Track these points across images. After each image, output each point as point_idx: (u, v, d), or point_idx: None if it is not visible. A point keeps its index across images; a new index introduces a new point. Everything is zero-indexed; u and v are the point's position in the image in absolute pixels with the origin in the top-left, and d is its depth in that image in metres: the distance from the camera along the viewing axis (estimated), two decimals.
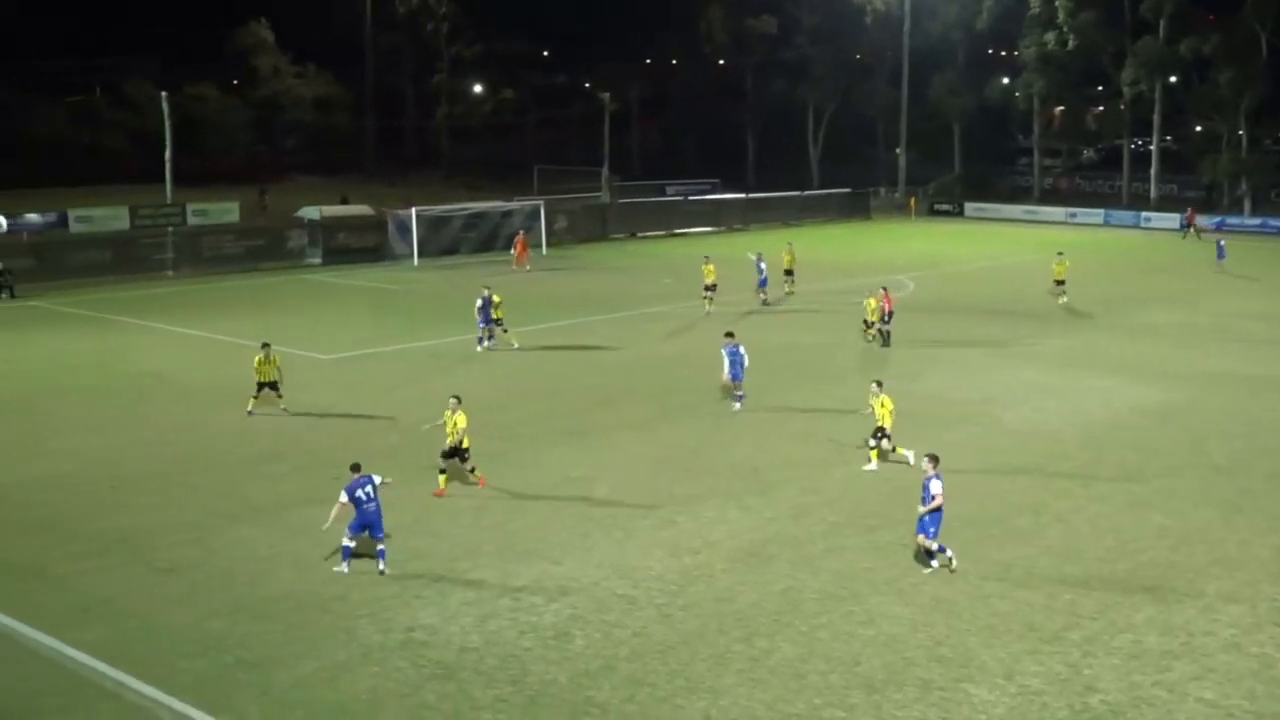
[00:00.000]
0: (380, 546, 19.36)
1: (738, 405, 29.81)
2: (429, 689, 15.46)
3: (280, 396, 29.57)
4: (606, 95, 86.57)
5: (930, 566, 19.25)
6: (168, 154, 67.48)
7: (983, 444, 26.96)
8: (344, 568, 19.18)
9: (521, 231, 61.49)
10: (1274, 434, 27.94)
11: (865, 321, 38.84)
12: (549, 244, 65.99)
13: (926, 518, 19.30)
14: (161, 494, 23.29)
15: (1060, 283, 47.42)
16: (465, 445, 23.20)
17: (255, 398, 29.41)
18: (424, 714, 14.87)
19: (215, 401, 30.98)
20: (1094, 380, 33.49)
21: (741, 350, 29.69)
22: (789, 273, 50.15)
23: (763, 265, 46.73)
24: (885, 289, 39.15)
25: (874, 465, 24.87)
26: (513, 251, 58.85)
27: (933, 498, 19.16)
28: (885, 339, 38.05)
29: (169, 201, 70.65)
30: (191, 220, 70.30)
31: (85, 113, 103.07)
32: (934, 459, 19.48)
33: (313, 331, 40.53)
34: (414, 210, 62.30)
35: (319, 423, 28.78)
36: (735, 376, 29.69)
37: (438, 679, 15.71)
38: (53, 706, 15.08)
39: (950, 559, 19.34)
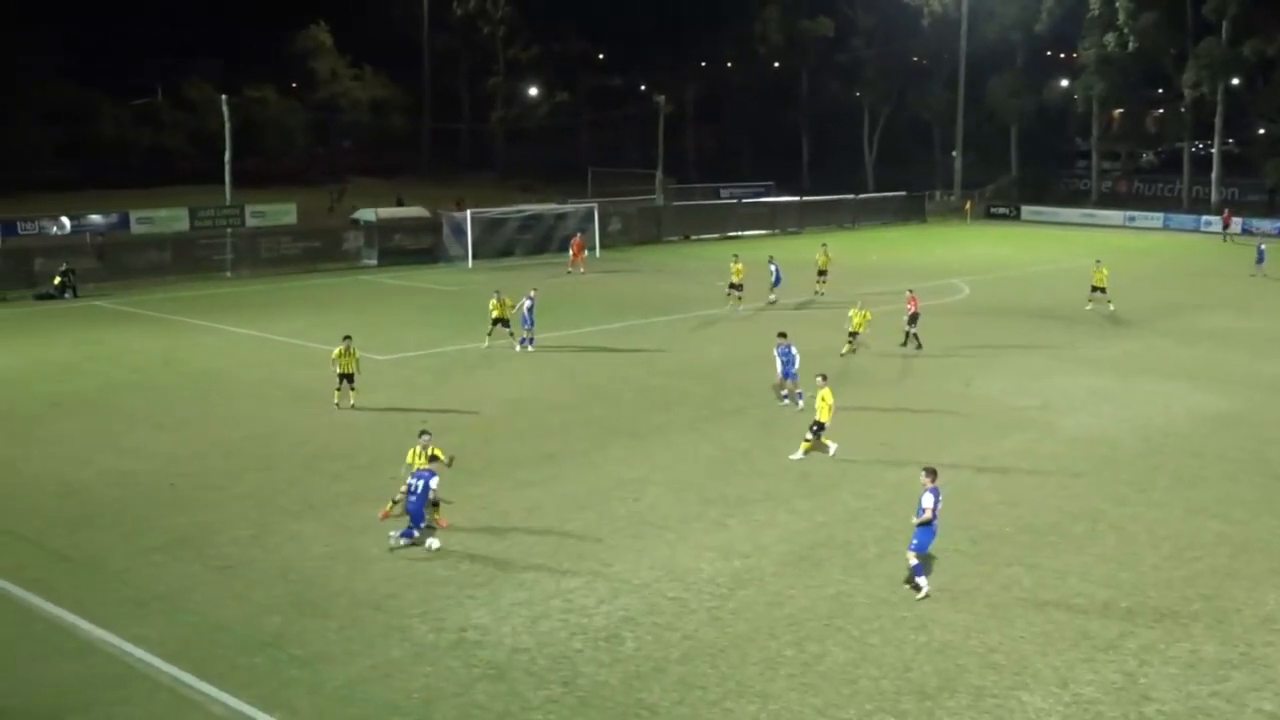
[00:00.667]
0: (415, 533, 20.28)
1: (788, 402, 30.09)
2: (480, 689, 15.55)
3: (354, 390, 30.07)
4: (661, 98, 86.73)
5: (920, 590, 18.33)
6: (227, 156, 68.29)
7: (1039, 450, 26.74)
8: (396, 540, 20.20)
9: (579, 234, 61.69)
10: None
11: (850, 334, 36.60)
12: (603, 246, 66.16)
13: (917, 531, 18.46)
14: (221, 491, 23.58)
15: (1100, 289, 46.14)
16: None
17: (339, 390, 30.21)
18: (475, 713, 14.95)
19: (275, 400, 31.33)
20: (1152, 386, 33.12)
21: (793, 350, 29.80)
22: (822, 273, 50.85)
23: (774, 267, 47.41)
24: (911, 291, 39.12)
25: (800, 454, 25.70)
26: (569, 253, 59.04)
27: (923, 510, 18.31)
28: (916, 341, 37.86)
29: (228, 203, 71.51)
30: (250, 221, 71.20)
31: (147, 115, 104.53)
32: (931, 472, 18.60)
33: (370, 332, 40.77)
34: (469, 212, 62.71)
35: (378, 422, 29.01)
36: (788, 375, 29.86)
37: (489, 679, 15.80)
38: (110, 698, 15.31)
39: (921, 586, 18.29)
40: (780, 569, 19.36)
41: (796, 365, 29.78)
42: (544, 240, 65.59)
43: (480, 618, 17.62)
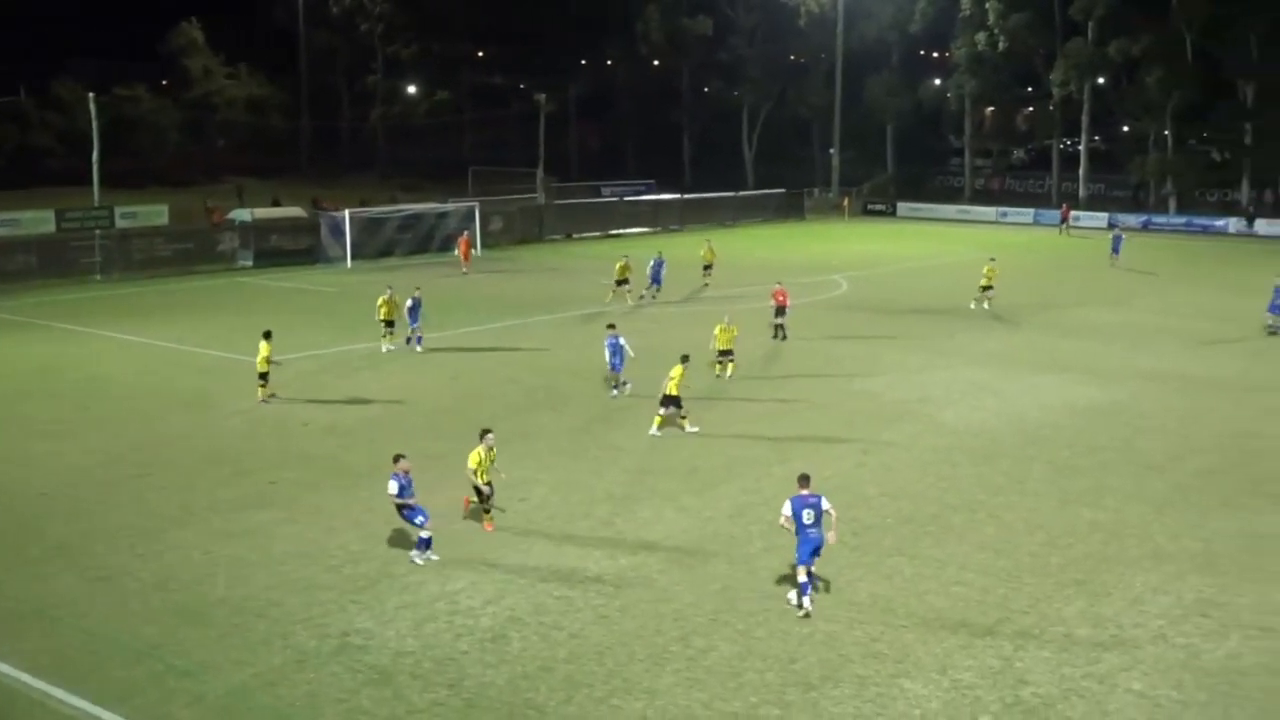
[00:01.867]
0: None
1: (615, 392, 31.07)
2: (365, 694, 15.42)
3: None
4: (542, 96, 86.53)
5: (803, 599, 17.71)
6: (95, 155, 66.49)
7: (920, 442, 27.26)
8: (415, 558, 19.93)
9: (465, 232, 61.36)
10: (1205, 431, 28.48)
11: (718, 352, 33.52)
12: (485, 245, 65.96)
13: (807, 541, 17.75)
14: (101, 500, 23.00)
15: (987, 288, 46.41)
16: (487, 481, 21.24)
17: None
18: (360, 719, 14.82)
19: (156, 407, 30.63)
20: (1028, 378, 33.97)
21: (622, 341, 30.85)
22: (708, 268, 52.24)
23: (655, 263, 48.22)
24: (780, 284, 40.11)
25: (655, 430, 27.45)
26: (457, 253, 58.63)
27: (783, 519, 17.72)
28: (782, 333, 38.91)
29: (97, 204, 69.67)
30: (120, 223, 69.38)
31: (13, 114, 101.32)
32: (804, 479, 18.12)
33: (248, 334, 40.09)
34: (347, 212, 61.95)
35: (258, 426, 28.56)
36: (615, 367, 30.82)
37: (374, 684, 15.67)
38: None
39: (804, 602, 17.65)
40: (667, 566, 19.49)
41: (623, 357, 30.78)
42: (425, 240, 65.16)
43: (364, 622, 17.47)
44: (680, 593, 18.56)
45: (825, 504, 17.78)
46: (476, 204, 69.43)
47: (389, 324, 37.19)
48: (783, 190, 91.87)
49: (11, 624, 17.40)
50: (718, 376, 33.58)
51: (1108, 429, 28.58)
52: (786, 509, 17.82)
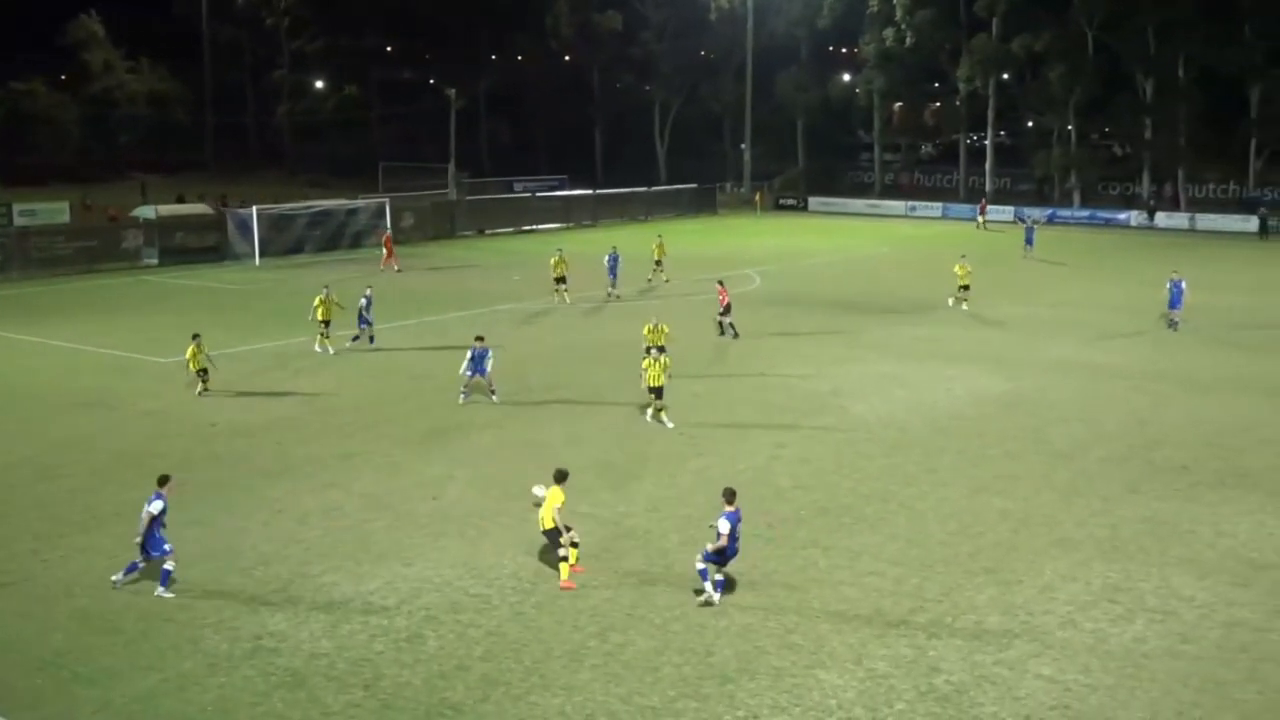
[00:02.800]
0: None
1: (465, 399, 30.24)
2: (278, 697, 15.21)
3: (206, 384, 31.06)
4: (452, 91, 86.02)
5: (705, 594, 17.91)
6: None
7: (833, 434, 27.49)
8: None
9: (388, 231, 60.83)
10: (1110, 420, 29.05)
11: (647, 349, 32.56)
12: (396, 242, 65.14)
13: (711, 551, 18.01)
14: (1, 503, 22.47)
15: (964, 287, 45.18)
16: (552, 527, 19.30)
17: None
18: None
19: (57, 409, 29.96)
20: (938, 370, 34.41)
21: (489, 352, 30.39)
22: (659, 263, 52.46)
23: (617, 260, 47.77)
24: (721, 282, 40.04)
25: (669, 423, 27.84)
26: (382, 251, 58.01)
27: (720, 536, 17.86)
28: (733, 331, 38.73)
29: None
30: (19, 220, 67.72)
31: None
32: (729, 494, 18.30)
33: (152, 334, 39.44)
34: (254, 209, 61.10)
35: (164, 427, 28.04)
36: (477, 373, 30.24)
37: (287, 687, 15.46)
38: None
39: (704, 590, 17.92)
40: (583, 561, 19.45)
41: (488, 364, 30.30)
42: (335, 236, 64.50)
43: (277, 624, 17.23)
44: (597, 588, 18.55)
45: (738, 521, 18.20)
46: (387, 200, 68.86)
47: (326, 324, 36.45)
48: (695, 185, 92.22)
49: None
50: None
51: (1016, 419, 29.06)
52: (724, 526, 17.89)
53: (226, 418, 28.91)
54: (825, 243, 71.22)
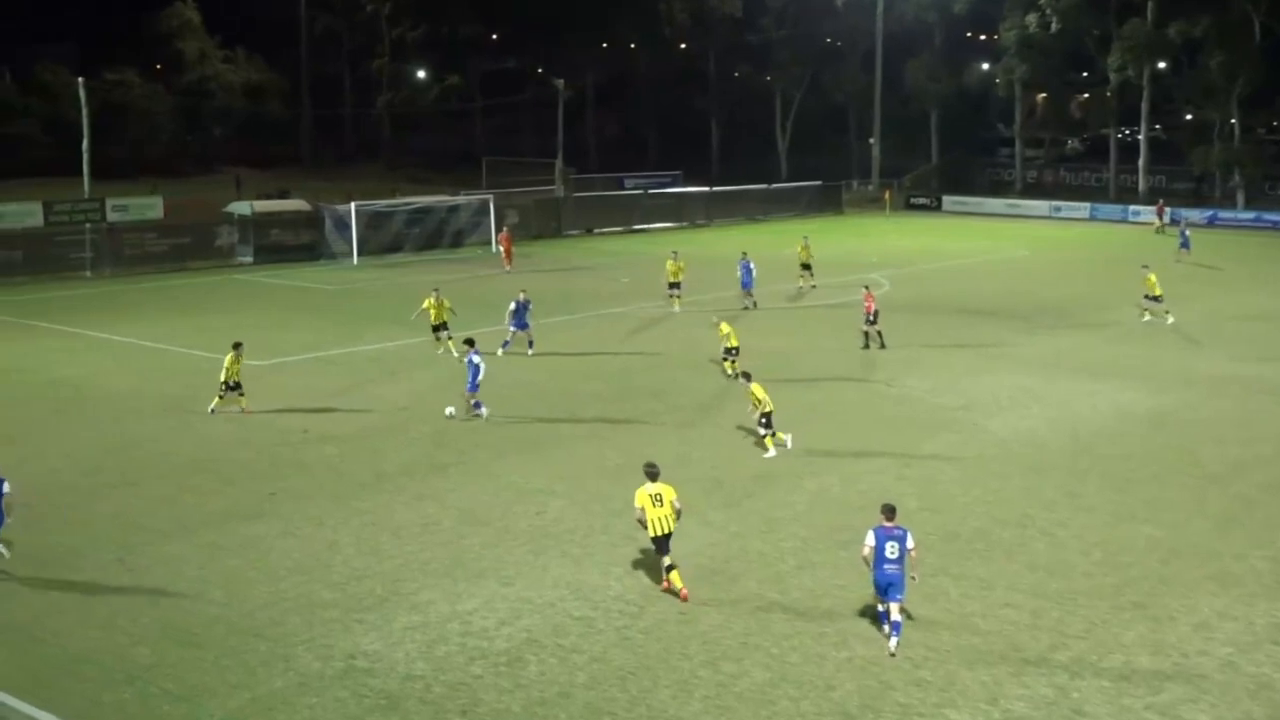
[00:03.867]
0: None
1: (451, 413, 29.74)
2: None
3: (242, 396, 30.25)
4: (560, 81, 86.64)
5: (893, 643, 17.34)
6: (85, 144, 66.86)
7: (964, 452, 27.11)
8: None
9: (505, 228, 61.40)
10: (1269, 440, 28.23)
11: (726, 350, 34.26)
12: (499, 241, 65.88)
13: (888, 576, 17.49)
14: (82, 510, 23.08)
15: (1155, 298, 43.40)
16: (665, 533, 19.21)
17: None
18: None
19: (140, 411, 30.77)
20: (1081, 384, 33.77)
21: (476, 360, 29.29)
22: (806, 267, 51.47)
23: (750, 265, 46.71)
24: (867, 288, 39.54)
25: (772, 452, 26.70)
26: (499, 250, 58.64)
27: (907, 552, 17.39)
28: (880, 340, 38.42)
29: (86, 196, 70.06)
30: (111, 216, 69.80)
31: None
32: (890, 510, 17.82)
33: (246, 335, 40.19)
34: (352, 205, 62.14)
35: (252, 433, 28.61)
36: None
37: (381, 710, 15.64)
38: None
39: (891, 644, 17.27)
40: (693, 585, 19.39)
41: (480, 375, 29.43)
42: (435, 235, 65.27)
43: (371, 644, 17.44)
44: (708, 614, 18.47)
45: (910, 541, 17.47)
46: (490, 197, 69.55)
47: (440, 328, 36.66)
48: (818, 182, 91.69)
49: None
50: (729, 377, 33.60)
51: (1165, 438, 28.38)
52: (870, 539, 17.47)
53: (317, 424, 29.40)
54: (959, 245, 70.36)
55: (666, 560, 19.06)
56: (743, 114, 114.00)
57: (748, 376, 27.45)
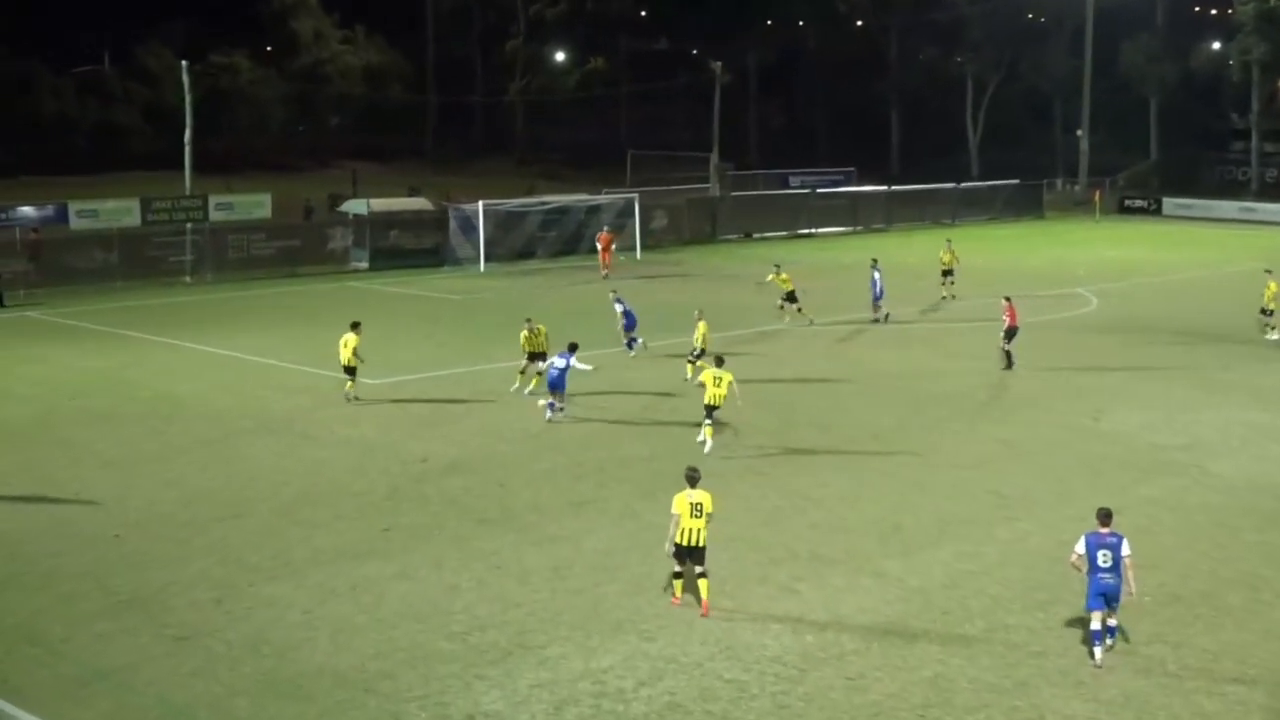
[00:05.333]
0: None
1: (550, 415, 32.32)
2: None
3: (353, 383, 34.33)
4: (718, 65, 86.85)
5: (1095, 649, 18.63)
6: (188, 135, 68.73)
7: (1186, 500, 26.55)
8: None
9: (605, 228, 61.82)
10: None
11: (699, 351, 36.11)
12: (645, 246, 66.31)
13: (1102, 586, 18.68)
14: (179, 544, 23.67)
15: (1270, 312, 44.45)
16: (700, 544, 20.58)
17: (523, 374, 35.05)
18: None
19: (245, 433, 31.53)
20: None
21: (566, 362, 31.87)
22: (948, 273, 52.09)
23: (878, 275, 47.11)
24: (1008, 299, 39.22)
25: (707, 442, 29.70)
26: (598, 248, 59.22)
27: (1122, 559, 18.52)
28: (1007, 360, 38.49)
29: (189, 192, 72.06)
30: (215, 215, 71.75)
31: (93, 86, 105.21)
32: (1106, 515, 18.94)
33: (361, 350, 40.97)
34: (480, 205, 62.82)
35: (367, 460, 29.12)
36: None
37: None
38: None
39: (1095, 652, 18.64)
40: (863, 645, 19.24)
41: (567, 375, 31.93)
42: (572, 239, 65.66)
43: (492, 703, 17.61)
44: (880, 679, 18.31)
45: (1125, 548, 18.46)
46: (636, 196, 69.87)
47: (536, 357, 35.01)
48: (1015, 181, 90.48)
49: (76, 689, 17.94)
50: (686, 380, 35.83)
51: None
52: (1080, 546, 18.53)
53: (439, 452, 29.80)
54: (1183, 255, 68.88)
55: (678, 567, 20.60)
56: (928, 103, 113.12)
57: (720, 361, 30.26)
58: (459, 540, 23.87)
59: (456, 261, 61.96)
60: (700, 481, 20.58)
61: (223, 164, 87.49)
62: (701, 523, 20.26)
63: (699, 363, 35.08)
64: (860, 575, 22.19)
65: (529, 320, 36.06)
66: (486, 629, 19.94)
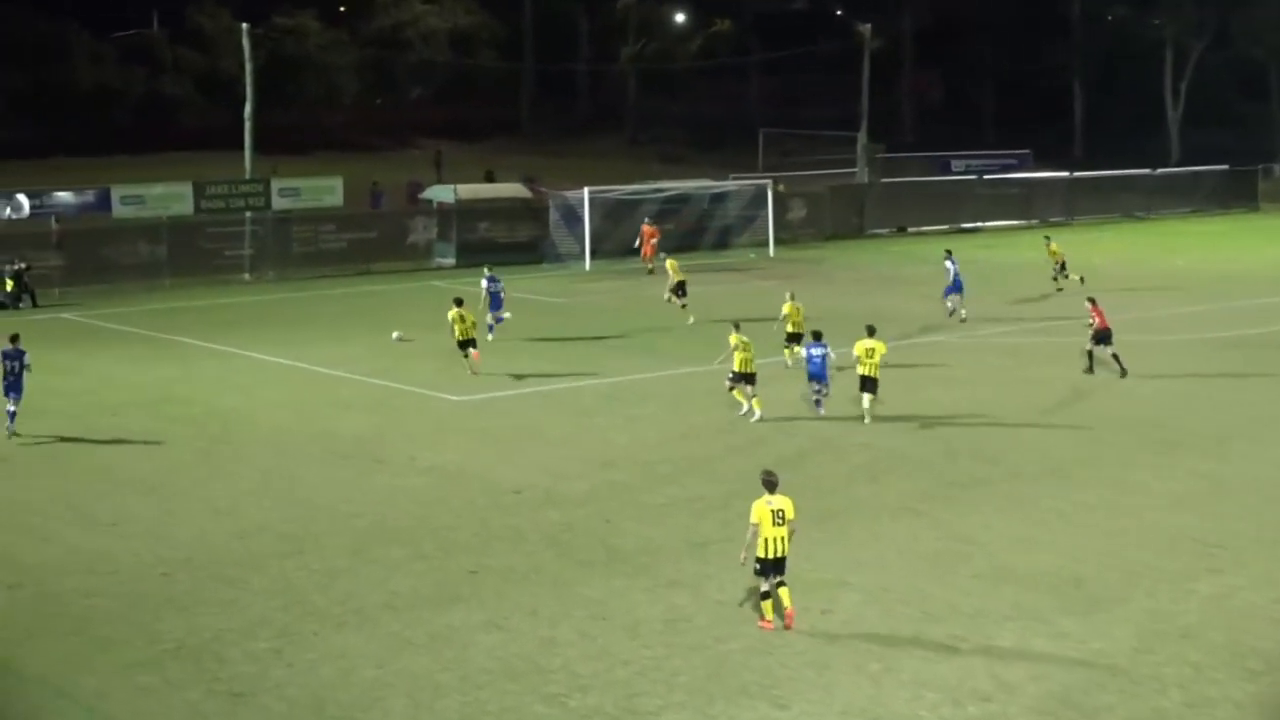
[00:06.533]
0: None
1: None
2: None
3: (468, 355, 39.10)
4: (867, 28, 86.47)
5: None
6: (248, 110, 69.34)
7: None
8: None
9: (648, 219, 61.52)
10: None
11: (787, 334, 40.62)
12: (779, 241, 66.12)
13: None
14: (234, 585, 23.88)
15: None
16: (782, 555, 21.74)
17: (466, 357, 39.37)
18: None
19: (311, 457, 31.92)
20: None
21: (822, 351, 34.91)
22: (1062, 267, 54.87)
23: (953, 266, 49.09)
24: (1093, 300, 40.36)
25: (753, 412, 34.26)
26: (638, 244, 59.49)
27: None
28: (1118, 365, 39.51)
29: (249, 176, 72.69)
30: (278, 202, 72.14)
31: (139, 53, 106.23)
32: None
33: (447, 361, 41.26)
34: (585, 192, 62.88)
35: (452, 490, 29.28)
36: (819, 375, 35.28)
37: None
38: None
39: None
40: (1037, 718, 19.05)
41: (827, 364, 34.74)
42: (694, 232, 65.64)
43: None
44: None
45: None
46: (769, 182, 69.70)
47: (465, 344, 39.86)
48: (1224, 168, 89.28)
49: None
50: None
51: None
52: None
53: (535, 481, 29.88)
54: None
55: (765, 585, 21.57)
56: (1118, 73, 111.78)
57: (871, 331, 35.10)
58: (557, 585, 23.90)
59: (557, 258, 62.20)
60: (779, 486, 21.50)
61: (288, 143, 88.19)
62: (784, 531, 21.20)
63: (786, 348, 39.67)
64: (1033, 636, 21.94)
65: (459, 302, 39.50)
66: (589, 690, 19.96)
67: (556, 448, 32.68)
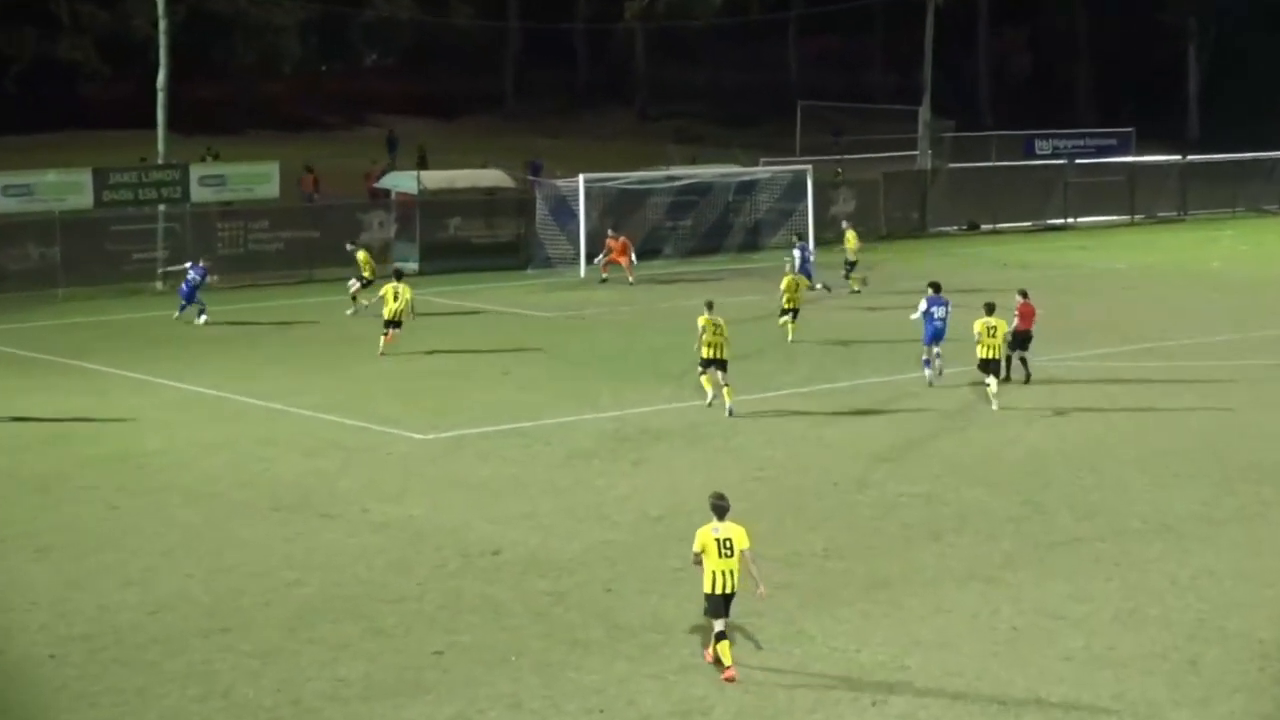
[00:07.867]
0: None
1: (928, 373, 40.47)
2: None
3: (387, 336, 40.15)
4: None
5: None
6: (162, 78, 69.25)
7: None
8: None
9: (610, 232, 61.37)
10: None
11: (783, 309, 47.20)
12: (821, 242, 65.59)
13: None
14: (142, 670, 23.68)
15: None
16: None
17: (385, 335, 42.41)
18: None
19: (243, 509, 31.84)
20: None
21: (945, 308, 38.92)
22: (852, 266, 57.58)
23: (797, 253, 52.95)
24: (1024, 295, 42.14)
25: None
26: (600, 259, 59.75)
27: None
28: (1024, 371, 41.95)
29: (161, 160, 72.57)
30: (198, 194, 71.80)
31: (25, 8, 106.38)
32: None
33: (402, 388, 41.26)
34: (581, 180, 62.65)
35: (413, 551, 29.21)
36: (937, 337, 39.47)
37: None
38: None
39: None
40: None
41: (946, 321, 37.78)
42: (716, 230, 65.50)
43: None
44: None
45: None
46: (809, 168, 69.32)
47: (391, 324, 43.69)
48: None
49: None
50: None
51: None
52: None
53: (515, 539, 29.80)
54: None
55: (719, 625, 22.24)
56: (1240, 39, 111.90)
57: (990, 308, 39.27)
58: (545, 669, 23.82)
59: (545, 262, 61.96)
60: (730, 513, 22.01)
61: (212, 120, 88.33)
62: (734, 563, 21.69)
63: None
64: None
65: (398, 275, 45.80)
66: None
67: (544, 498, 32.61)
